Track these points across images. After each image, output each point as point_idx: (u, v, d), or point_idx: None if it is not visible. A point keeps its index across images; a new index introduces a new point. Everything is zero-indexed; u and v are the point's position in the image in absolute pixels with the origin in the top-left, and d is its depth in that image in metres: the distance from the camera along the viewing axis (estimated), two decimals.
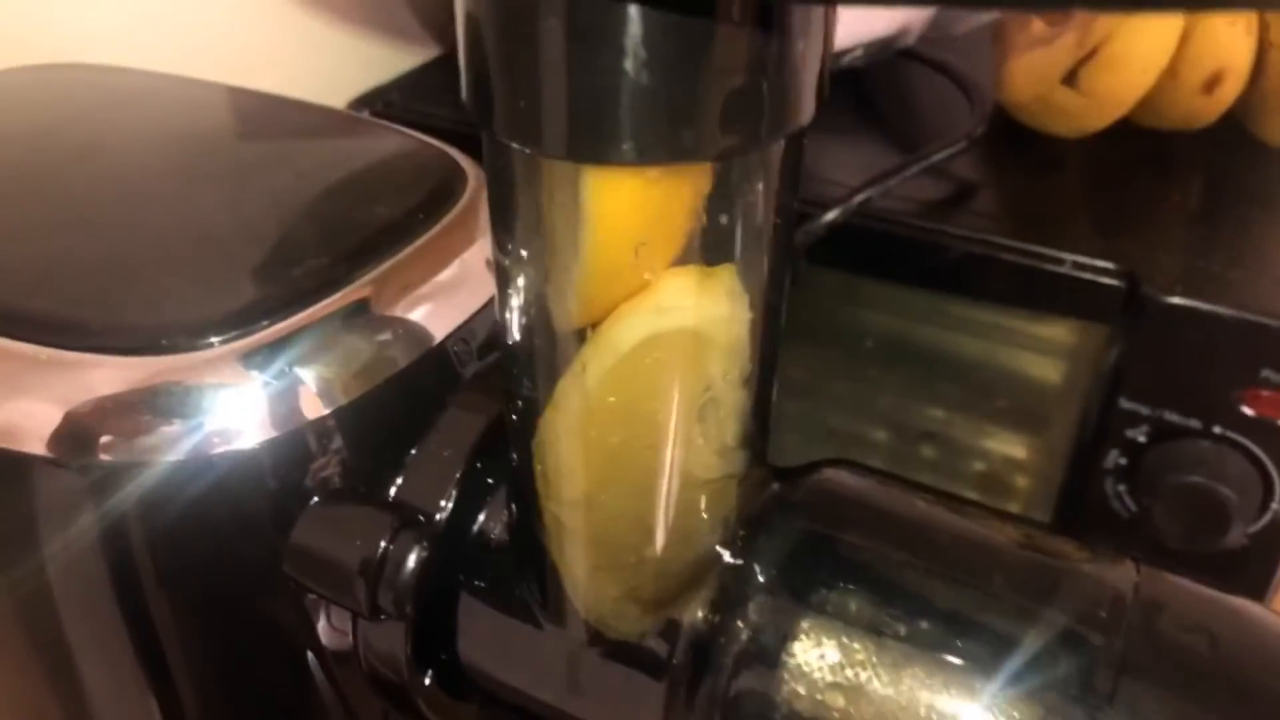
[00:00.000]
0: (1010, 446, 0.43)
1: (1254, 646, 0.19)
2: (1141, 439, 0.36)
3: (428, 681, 0.24)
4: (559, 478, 0.21)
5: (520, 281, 0.19)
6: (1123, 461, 0.37)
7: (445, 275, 0.24)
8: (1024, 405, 0.41)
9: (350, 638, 0.23)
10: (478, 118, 0.16)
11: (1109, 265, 0.35)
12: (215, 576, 0.22)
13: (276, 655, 0.24)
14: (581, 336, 0.19)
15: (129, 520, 0.21)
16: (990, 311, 0.39)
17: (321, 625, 0.23)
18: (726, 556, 0.21)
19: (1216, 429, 0.35)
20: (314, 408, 0.21)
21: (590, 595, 0.22)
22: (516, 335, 0.20)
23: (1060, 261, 0.35)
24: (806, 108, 0.16)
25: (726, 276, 0.19)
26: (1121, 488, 0.37)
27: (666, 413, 0.19)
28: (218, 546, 0.22)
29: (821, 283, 0.40)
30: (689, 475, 0.20)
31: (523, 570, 0.22)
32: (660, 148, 0.15)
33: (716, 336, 0.19)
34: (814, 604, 0.20)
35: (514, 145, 0.16)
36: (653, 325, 0.19)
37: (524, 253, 0.18)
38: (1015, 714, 0.19)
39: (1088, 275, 0.35)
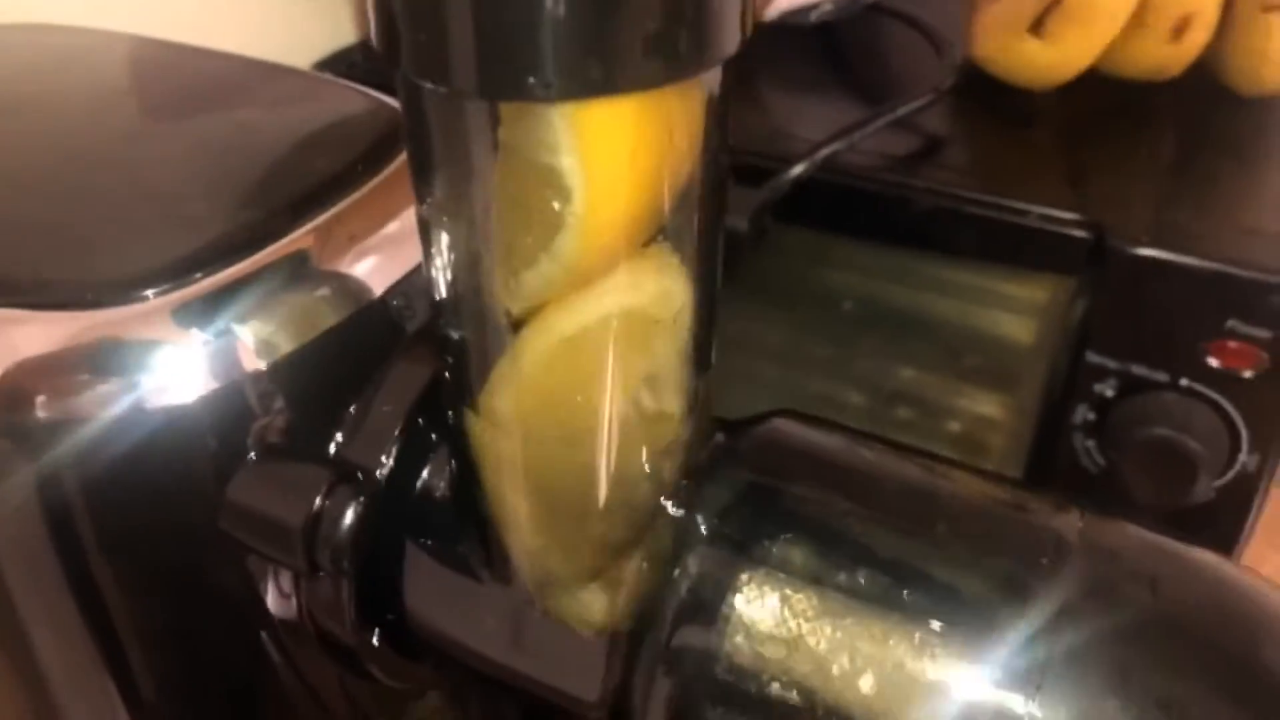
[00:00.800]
0: (983, 405, 0.43)
1: (1198, 592, 0.19)
2: (1109, 393, 0.36)
3: (376, 641, 0.24)
4: (496, 442, 0.20)
5: (442, 233, 0.18)
6: (1091, 417, 0.37)
7: (386, 229, 0.24)
8: (995, 364, 0.41)
9: (295, 599, 0.23)
10: (387, 57, 0.15)
11: (1075, 217, 0.34)
12: (156, 535, 0.22)
13: (224, 617, 0.24)
14: (507, 289, 0.18)
15: (66, 478, 0.21)
16: (960, 271, 0.39)
17: (267, 586, 0.23)
18: (669, 508, 0.21)
19: (1184, 382, 0.34)
20: (250, 361, 0.21)
21: (532, 552, 0.22)
22: (443, 291, 0.19)
23: (1026, 214, 0.35)
24: (729, 36, 0.16)
25: (657, 254, 0.18)
26: (1090, 443, 0.37)
27: (604, 391, 0.19)
28: (157, 504, 0.22)
29: (789, 241, 0.40)
30: (630, 441, 0.20)
31: (465, 527, 0.22)
32: (571, 80, 0.14)
33: (652, 315, 0.19)
34: (755, 554, 0.20)
35: (425, 85, 0.15)
36: (584, 313, 0.18)
37: (443, 202, 0.18)
38: (954, 662, 0.19)
39: (1054, 228, 0.35)
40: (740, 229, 0.35)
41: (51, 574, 0.23)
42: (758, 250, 0.37)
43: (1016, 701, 0.18)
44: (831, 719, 0.19)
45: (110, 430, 0.20)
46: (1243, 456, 0.35)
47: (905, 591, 0.19)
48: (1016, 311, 0.39)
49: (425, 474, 0.23)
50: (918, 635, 0.19)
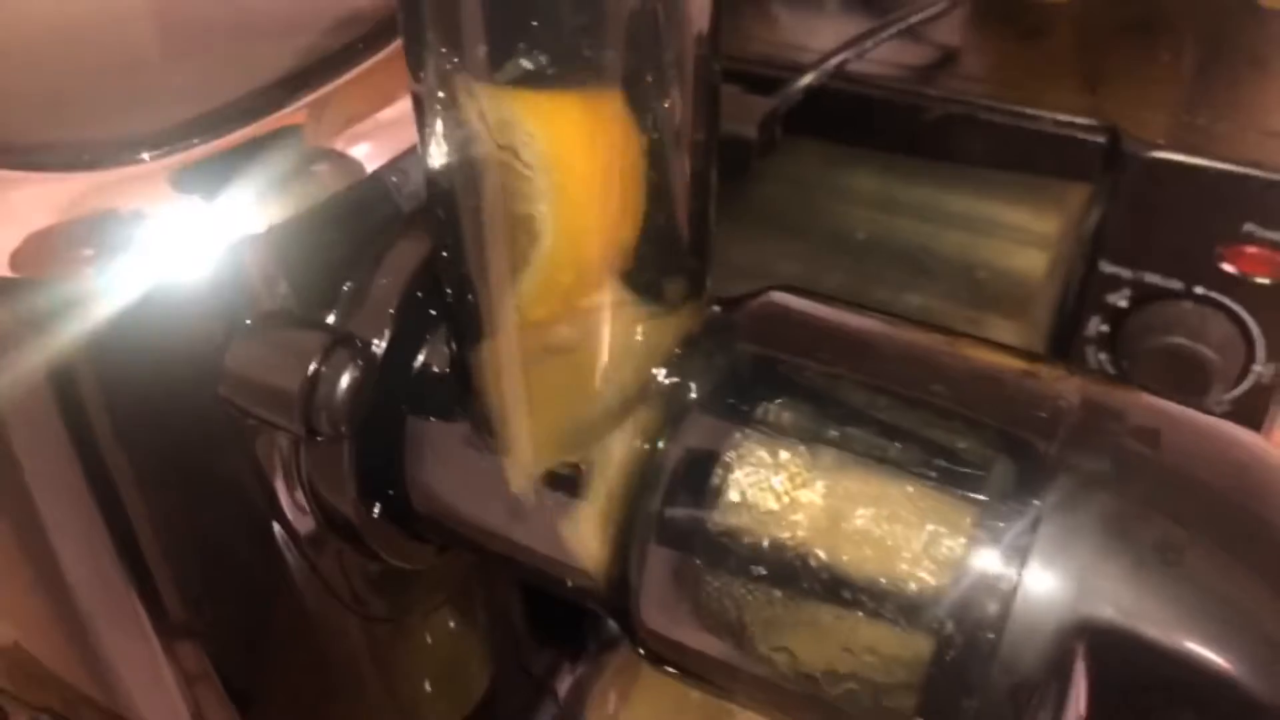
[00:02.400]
0: (995, 331, 0.42)
1: (1204, 447, 0.19)
2: (1123, 304, 0.35)
3: (377, 514, 0.24)
4: (490, 315, 0.20)
5: (435, 107, 0.18)
6: (1104, 329, 0.36)
7: (387, 105, 0.24)
8: (1007, 294, 0.40)
9: (297, 474, 0.24)
10: None
11: (1090, 121, 0.34)
12: (157, 402, 0.22)
13: (230, 492, 0.24)
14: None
15: (64, 341, 0.21)
16: (972, 201, 0.38)
17: (268, 458, 0.23)
18: (661, 376, 0.21)
19: (1198, 289, 0.34)
20: (247, 227, 0.21)
21: (527, 423, 0.22)
22: (435, 164, 0.19)
23: (1040, 120, 0.34)
24: None
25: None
26: (1103, 356, 0.37)
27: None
28: (158, 370, 0.22)
29: (801, 157, 0.39)
30: (622, 306, 0.20)
31: (464, 401, 0.22)
32: None
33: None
34: (748, 419, 0.20)
35: None
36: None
37: (435, 74, 0.18)
38: (947, 518, 0.19)
39: (1068, 132, 0.34)
40: (749, 136, 0.35)
41: (56, 442, 0.23)
42: (767, 159, 0.36)
43: (1011, 549, 0.18)
44: (826, 577, 0.19)
45: (108, 291, 0.21)
46: (1258, 366, 0.35)
47: (899, 449, 0.19)
48: (1028, 244, 0.39)
49: (424, 349, 0.23)
50: (910, 489, 0.19)
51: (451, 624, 0.34)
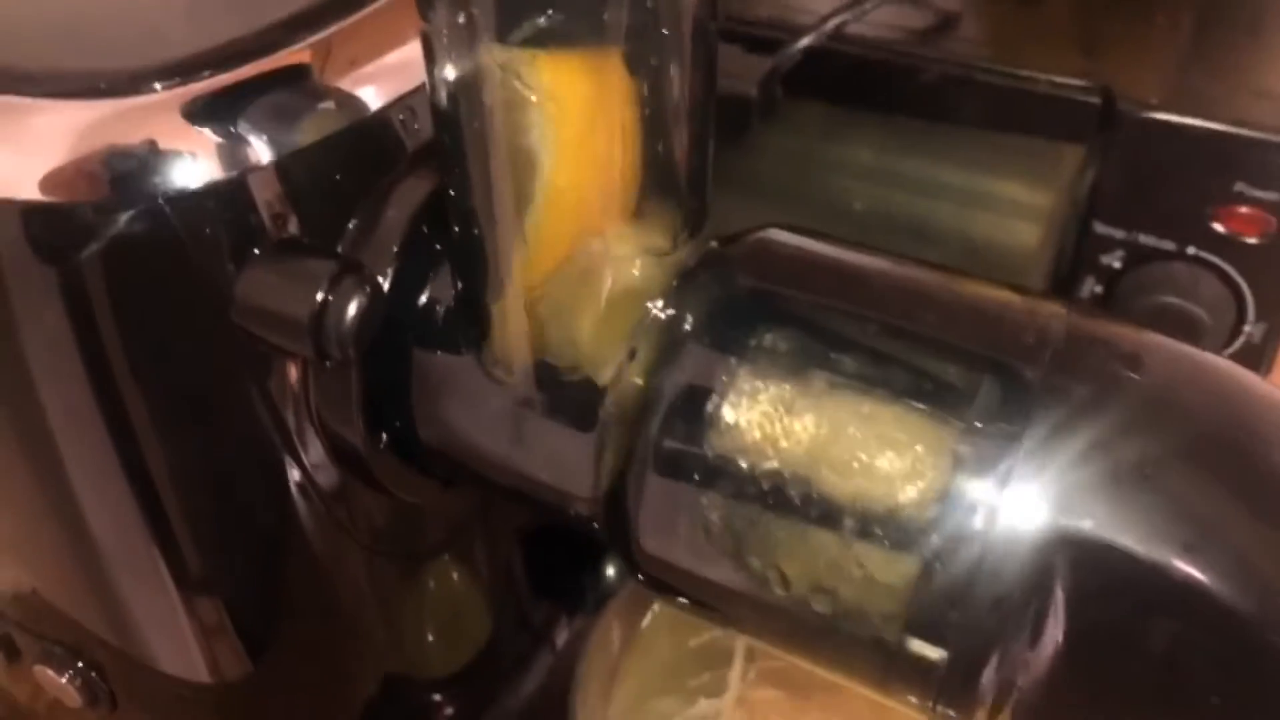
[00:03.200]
0: None
1: (1183, 372, 0.20)
2: (1116, 264, 0.36)
3: (383, 445, 0.24)
4: (494, 248, 0.21)
5: (443, 41, 0.19)
6: (1098, 290, 0.37)
7: (396, 46, 0.24)
8: (1001, 266, 0.41)
9: (305, 403, 0.24)
10: None
11: (1084, 83, 0.34)
12: (168, 330, 0.23)
13: (239, 422, 0.25)
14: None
15: (82, 266, 0.22)
16: (970, 172, 0.39)
17: (276, 386, 0.24)
18: (658, 308, 0.22)
19: (1191, 249, 0.34)
20: (256, 157, 0.22)
21: (529, 354, 0.22)
22: (442, 98, 0.20)
23: (1037, 81, 0.35)
24: None
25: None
26: None
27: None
28: (167, 299, 0.23)
29: (798, 126, 0.40)
30: (621, 239, 0.21)
31: (468, 329, 0.23)
32: None
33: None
34: (741, 349, 0.21)
35: None
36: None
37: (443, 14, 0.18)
38: (933, 440, 0.19)
39: (1063, 93, 0.34)
40: (750, 94, 0.35)
41: (72, 376, 0.24)
42: (767, 130, 0.37)
43: (994, 468, 0.18)
44: (816, 498, 0.20)
45: (121, 220, 0.21)
46: (1248, 326, 0.35)
47: (888, 375, 0.20)
48: (1024, 217, 0.39)
49: (429, 282, 0.23)
50: (898, 413, 0.19)
51: (455, 577, 0.35)
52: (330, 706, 0.33)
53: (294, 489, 0.27)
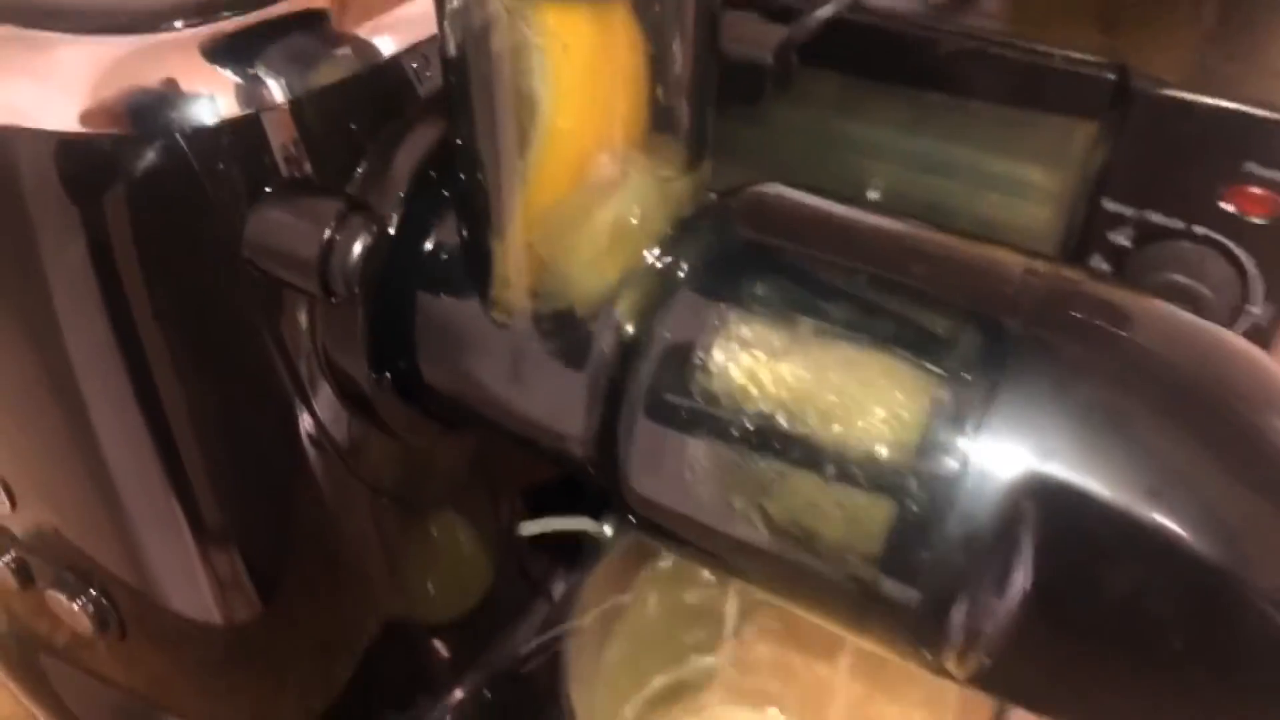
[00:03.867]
0: None
1: (1165, 329, 0.20)
2: (1125, 242, 0.36)
3: (386, 384, 0.25)
4: (497, 190, 0.22)
5: None
6: (1106, 267, 0.37)
7: None
8: (1014, 238, 0.41)
9: (312, 339, 0.25)
10: None
11: (1100, 59, 0.34)
12: (184, 263, 0.24)
13: (251, 360, 0.26)
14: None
15: (102, 198, 0.23)
16: (982, 153, 0.39)
17: (285, 319, 0.25)
18: (654, 255, 0.22)
19: (1199, 229, 0.35)
20: (271, 98, 0.22)
21: (530, 295, 0.23)
22: (450, 42, 0.21)
23: (1052, 57, 0.35)
24: None
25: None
26: None
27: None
28: (183, 233, 0.23)
29: (814, 91, 0.40)
30: (621, 183, 0.21)
31: (472, 272, 0.24)
32: None
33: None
34: (733, 296, 0.21)
35: None
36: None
37: None
38: (913, 386, 0.20)
39: (1078, 69, 0.35)
40: (765, 62, 0.36)
41: (89, 300, 0.25)
42: (783, 91, 0.37)
43: (970, 413, 0.19)
44: (800, 440, 0.20)
45: (139, 154, 0.22)
46: (1255, 308, 0.35)
47: (874, 323, 0.20)
48: (1037, 199, 0.39)
49: (435, 225, 0.24)
50: (881, 360, 0.20)
51: (458, 528, 0.36)
52: (333, 647, 0.34)
53: (304, 431, 0.27)
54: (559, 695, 0.31)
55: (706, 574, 0.36)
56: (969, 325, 0.19)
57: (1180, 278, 0.35)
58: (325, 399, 0.27)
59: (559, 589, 0.38)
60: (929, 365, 0.19)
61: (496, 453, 0.35)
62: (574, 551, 0.35)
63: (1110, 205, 0.36)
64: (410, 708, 0.34)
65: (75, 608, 0.31)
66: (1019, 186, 0.39)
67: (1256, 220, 0.34)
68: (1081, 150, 0.37)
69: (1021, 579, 0.19)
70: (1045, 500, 0.18)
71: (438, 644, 0.36)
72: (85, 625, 0.31)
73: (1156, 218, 0.36)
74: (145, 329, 0.25)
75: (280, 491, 0.30)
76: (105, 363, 0.26)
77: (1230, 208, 0.34)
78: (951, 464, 0.19)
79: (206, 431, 0.27)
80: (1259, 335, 0.36)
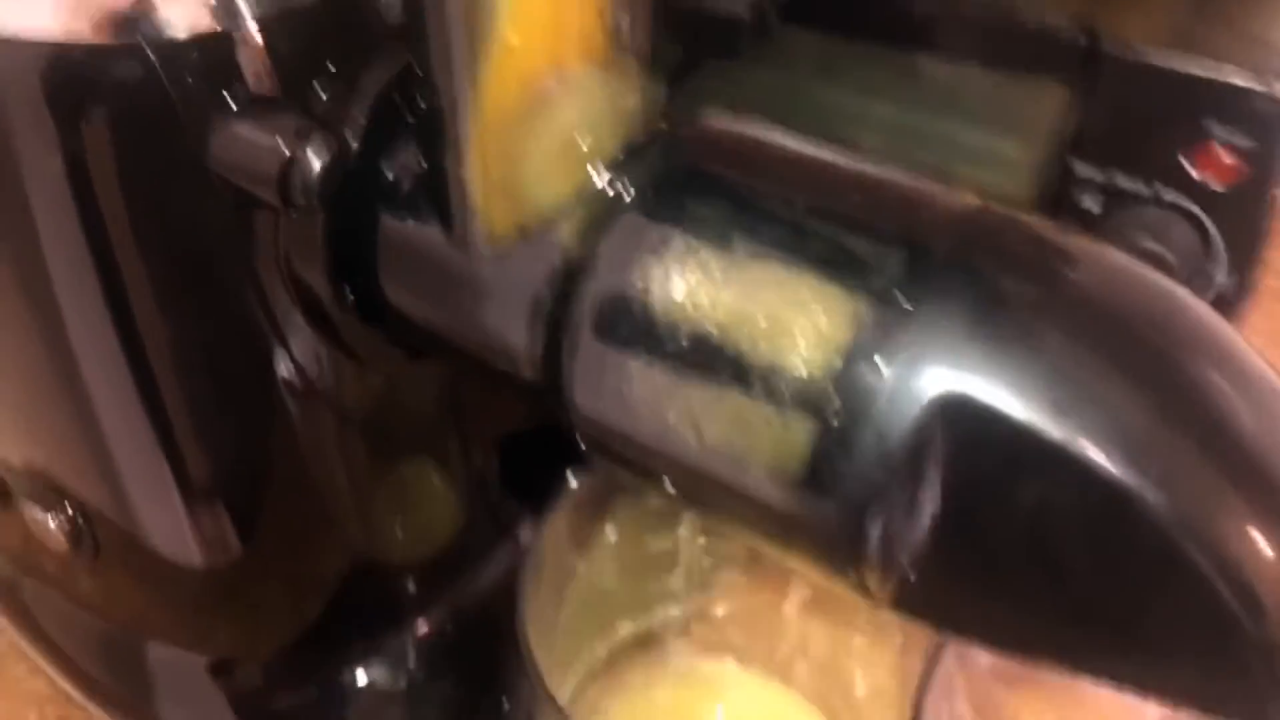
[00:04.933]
0: None
1: (1095, 262, 0.20)
2: (1094, 207, 0.37)
3: (348, 302, 0.26)
4: (452, 107, 0.22)
5: None
6: None
7: None
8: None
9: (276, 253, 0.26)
10: None
11: (1070, 22, 0.35)
12: (155, 177, 0.25)
13: (220, 270, 0.27)
14: None
15: (74, 109, 0.24)
16: (959, 128, 0.39)
17: (248, 234, 0.26)
18: (601, 179, 0.23)
19: (1166, 195, 0.35)
20: (242, 13, 0.23)
21: (483, 215, 0.23)
22: None
23: (1025, 18, 0.36)
24: None
25: None
26: None
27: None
28: (153, 143, 0.24)
29: (789, 51, 0.40)
30: (571, 101, 0.22)
31: (430, 193, 0.24)
32: None
33: None
34: (676, 221, 0.22)
35: None
36: None
37: None
38: (838, 306, 0.20)
39: (1050, 32, 0.35)
40: (741, 16, 0.36)
41: (64, 215, 0.25)
42: (760, 46, 0.38)
43: (891, 333, 0.19)
44: (732, 359, 0.21)
45: (111, 65, 0.23)
46: (1220, 276, 0.36)
47: (807, 246, 0.21)
48: (1006, 167, 0.40)
49: (397, 147, 0.25)
50: (811, 281, 0.20)
51: (431, 476, 0.37)
52: (302, 586, 0.35)
53: (277, 360, 0.28)
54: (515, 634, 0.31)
55: (669, 523, 0.37)
56: (897, 249, 0.20)
57: (1147, 243, 0.35)
58: (295, 324, 0.28)
59: (526, 534, 0.39)
60: (855, 286, 0.20)
61: (468, 400, 0.35)
62: (543, 497, 0.36)
63: (1079, 169, 0.37)
64: (376, 638, 0.35)
65: (51, 523, 0.32)
66: (990, 156, 0.39)
67: (1220, 186, 0.34)
68: (1053, 115, 0.38)
69: (934, 495, 0.19)
70: (954, 416, 0.19)
71: (406, 581, 0.36)
72: (60, 542, 0.32)
73: (1125, 183, 0.36)
74: (120, 245, 0.26)
75: (254, 424, 0.31)
76: (80, 278, 0.27)
77: (1196, 173, 0.34)
78: (870, 381, 0.19)
79: (181, 353, 0.28)
80: (1222, 304, 0.37)
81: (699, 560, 0.37)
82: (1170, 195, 0.35)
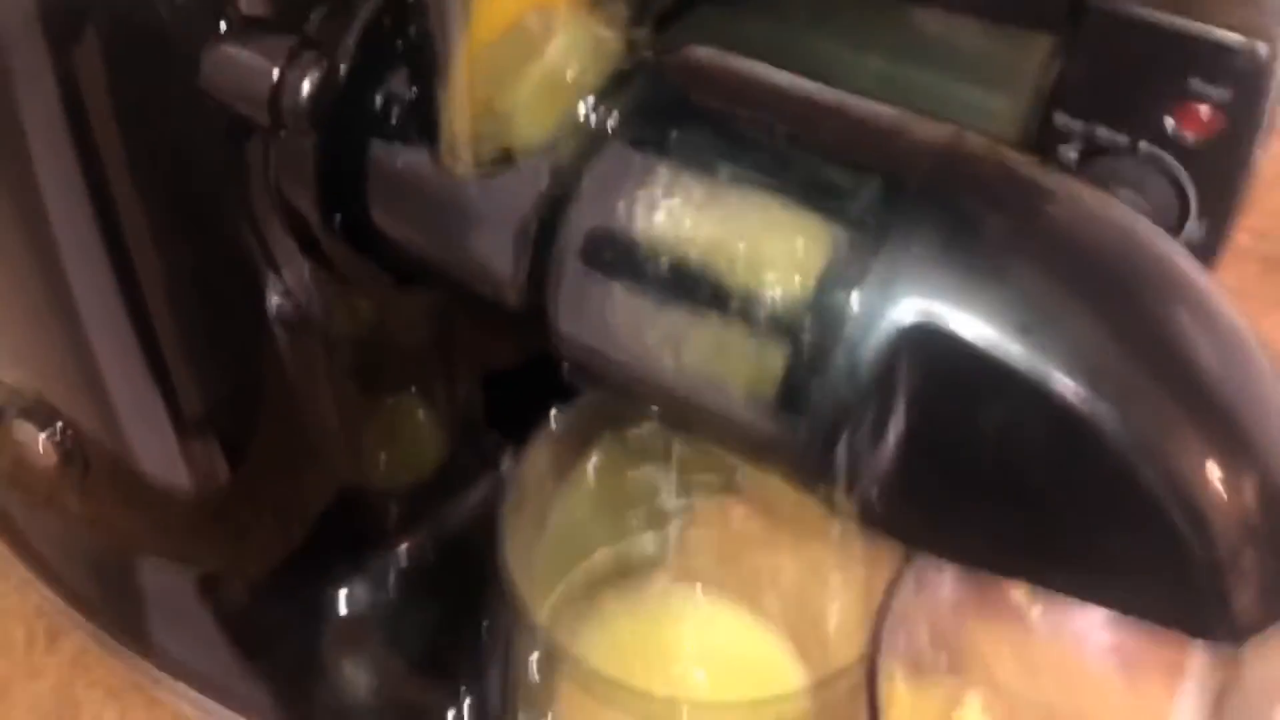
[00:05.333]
0: None
1: (1074, 202, 0.21)
2: (1073, 155, 0.37)
3: (337, 225, 0.26)
4: (442, 39, 0.23)
5: None
6: None
7: None
8: None
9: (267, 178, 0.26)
10: None
11: None
12: (150, 98, 0.25)
13: (213, 194, 0.27)
14: None
15: (71, 30, 0.24)
16: (941, 76, 0.39)
17: (242, 166, 0.26)
18: (588, 105, 0.23)
19: (1143, 145, 0.36)
20: None
21: (471, 142, 0.24)
22: None
23: None
24: None
25: None
26: None
27: None
28: (146, 66, 0.24)
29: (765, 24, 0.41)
30: (557, 29, 0.22)
31: (420, 118, 0.25)
32: None
33: None
34: (659, 148, 0.22)
35: None
36: None
37: None
38: (813, 233, 0.21)
39: None
40: None
41: (61, 143, 0.26)
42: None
43: (862, 257, 0.20)
44: (711, 286, 0.22)
45: None
46: (1190, 223, 0.36)
47: (785, 174, 0.21)
48: (991, 123, 0.40)
49: (388, 75, 0.25)
50: (787, 208, 0.21)
51: (418, 412, 0.37)
52: (289, 511, 0.36)
53: (269, 287, 0.29)
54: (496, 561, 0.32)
55: (647, 457, 0.37)
56: (873, 177, 0.21)
57: (1125, 194, 0.36)
58: (286, 250, 0.28)
59: (507, 465, 0.40)
60: (831, 212, 0.21)
61: (455, 336, 0.36)
62: (524, 431, 0.36)
63: (1060, 119, 0.37)
64: (359, 560, 0.36)
65: (42, 438, 0.32)
66: (977, 108, 0.40)
67: (1198, 141, 0.35)
68: (1037, 66, 0.38)
69: (901, 417, 0.20)
70: (920, 339, 0.19)
71: (389, 507, 0.37)
72: (50, 457, 0.32)
73: (1104, 133, 0.37)
74: (113, 169, 0.26)
75: (244, 352, 0.31)
76: (73, 202, 0.27)
77: (1174, 125, 0.35)
78: (843, 305, 0.20)
79: (173, 279, 0.29)
80: (1196, 254, 0.38)
81: (674, 493, 0.39)
82: (1147, 148, 0.35)
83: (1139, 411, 0.19)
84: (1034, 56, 0.38)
